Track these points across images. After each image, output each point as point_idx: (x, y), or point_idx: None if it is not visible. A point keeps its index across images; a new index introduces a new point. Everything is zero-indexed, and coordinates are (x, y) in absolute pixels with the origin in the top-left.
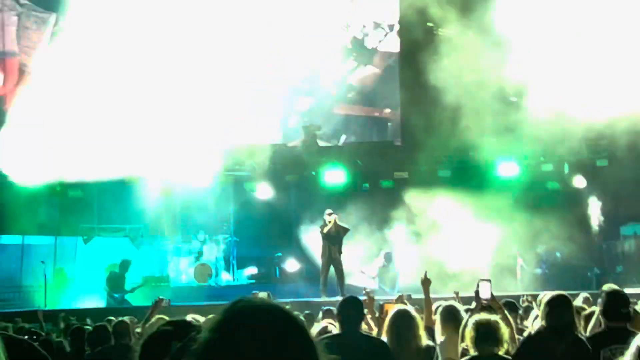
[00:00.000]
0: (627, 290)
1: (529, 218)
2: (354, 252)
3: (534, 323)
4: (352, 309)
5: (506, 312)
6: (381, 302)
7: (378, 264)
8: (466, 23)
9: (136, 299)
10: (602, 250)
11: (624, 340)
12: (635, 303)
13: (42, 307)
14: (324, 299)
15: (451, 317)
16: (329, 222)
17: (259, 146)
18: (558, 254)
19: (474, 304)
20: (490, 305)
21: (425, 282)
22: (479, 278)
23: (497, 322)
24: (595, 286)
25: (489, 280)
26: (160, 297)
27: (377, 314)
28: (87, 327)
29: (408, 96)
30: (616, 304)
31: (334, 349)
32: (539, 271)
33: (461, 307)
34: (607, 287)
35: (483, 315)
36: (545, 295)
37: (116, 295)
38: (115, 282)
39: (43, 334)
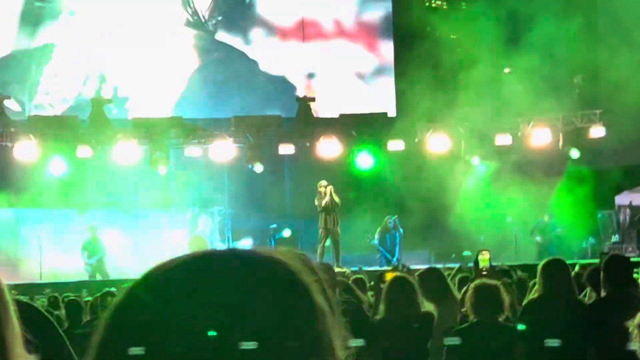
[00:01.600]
0: None
1: (525, 187)
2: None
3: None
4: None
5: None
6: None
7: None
8: None
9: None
10: (597, 220)
11: (631, 305)
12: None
13: (37, 280)
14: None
15: (436, 280)
16: (325, 193)
17: (252, 117)
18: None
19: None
20: (489, 275)
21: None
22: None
23: (497, 287)
24: (590, 256)
25: (488, 251)
26: None
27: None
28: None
29: None
30: (620, 269)
31: None
32: (538, 239)
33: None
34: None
35: (484, 281)
36: (543, 261)
37: (91, 260)
38: (89, 247)
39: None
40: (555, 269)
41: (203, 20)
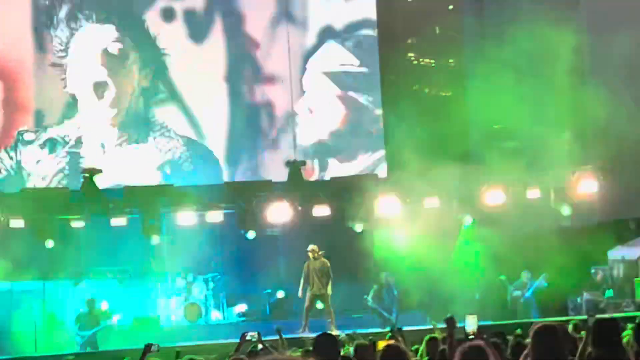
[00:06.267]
0: (618, 315)
1: (517, 244)
2: None
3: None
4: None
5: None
6: (371, 338)
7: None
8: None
9: (124, 343)
10: (591, 275)
11: None
12: (624, 328)
13: (33, 353)
14: (305, 334)
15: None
16: (313, 257)
17: (242, 183)
18: (545, 283)
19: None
20: (477, 339)
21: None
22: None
23: (482, 349)
24: (585, 312)
25: (475, 315)
26: (150, 342)
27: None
28: None
29: None
30: (606, 331)
31: None
32: (526, 294)
33: None
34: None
35: (471, 344)
36: (534, 326)
37: (82, 333)
38: (84, 321)
39: None
40: (547, 336)
41: None
